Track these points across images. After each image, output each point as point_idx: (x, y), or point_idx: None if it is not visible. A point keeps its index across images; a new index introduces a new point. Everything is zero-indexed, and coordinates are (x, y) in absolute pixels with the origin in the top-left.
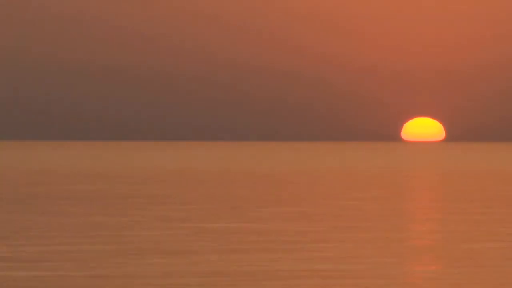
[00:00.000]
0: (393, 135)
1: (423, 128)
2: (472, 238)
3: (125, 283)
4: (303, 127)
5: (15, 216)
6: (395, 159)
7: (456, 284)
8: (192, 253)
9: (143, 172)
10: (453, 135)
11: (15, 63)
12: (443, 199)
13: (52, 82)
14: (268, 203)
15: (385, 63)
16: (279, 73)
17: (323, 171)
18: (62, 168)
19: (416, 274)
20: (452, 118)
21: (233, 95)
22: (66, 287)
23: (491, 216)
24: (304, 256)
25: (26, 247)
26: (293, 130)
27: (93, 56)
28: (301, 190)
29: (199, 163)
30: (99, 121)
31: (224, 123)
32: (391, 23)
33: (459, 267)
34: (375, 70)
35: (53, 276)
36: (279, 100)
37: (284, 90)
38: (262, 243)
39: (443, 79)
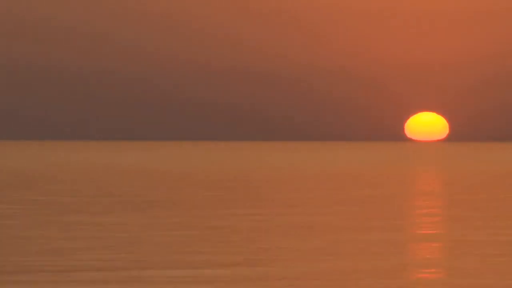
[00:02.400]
0: (395, 133)
1: (427, 126)
2: None
3: None
4: (302, 126)
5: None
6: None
7: None
8: None
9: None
10: (457, 131)
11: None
12: None
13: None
14: None
15: (385, 59)
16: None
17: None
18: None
19: None
20: (456, 114)
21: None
22: None
23: None
24: None
25: None
26: (291, 130)
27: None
28: None
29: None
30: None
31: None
32: (392, 18)
33: None
34: (375, 66)
35: None
36: (276, 100)
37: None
38: None
39: (445, 74)
